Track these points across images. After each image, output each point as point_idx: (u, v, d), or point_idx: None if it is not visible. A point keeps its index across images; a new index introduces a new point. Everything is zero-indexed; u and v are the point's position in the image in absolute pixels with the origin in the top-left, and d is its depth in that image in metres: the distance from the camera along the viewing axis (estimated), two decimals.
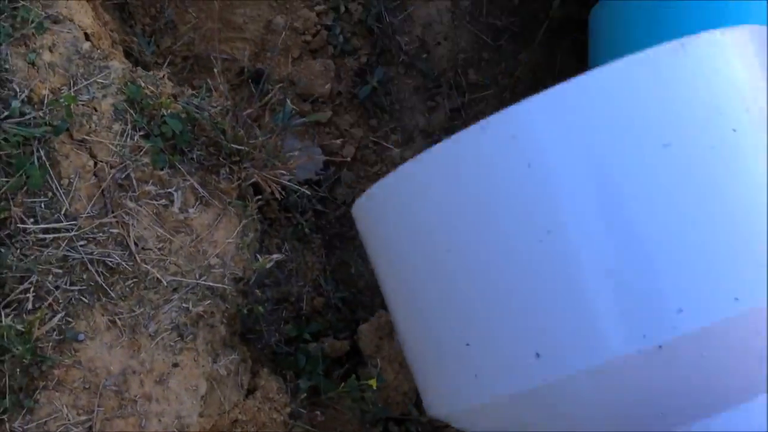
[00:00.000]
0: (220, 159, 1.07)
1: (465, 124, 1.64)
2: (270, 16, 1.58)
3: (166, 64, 1.46)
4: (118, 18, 1.52)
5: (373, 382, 1.19)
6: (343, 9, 1.62)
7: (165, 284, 1.03)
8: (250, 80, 1.54)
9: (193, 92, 1.12)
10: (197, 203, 1.06)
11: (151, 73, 1.13)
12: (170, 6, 1.53)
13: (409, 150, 1.63)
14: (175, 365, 1.01)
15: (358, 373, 1.50)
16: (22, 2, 1.08)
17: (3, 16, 1.07)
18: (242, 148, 1.06)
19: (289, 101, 1.15)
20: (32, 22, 1.10)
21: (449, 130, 1.63)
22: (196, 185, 1.06)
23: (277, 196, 1.11)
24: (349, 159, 1.61)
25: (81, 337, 0.99)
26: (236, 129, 1.06)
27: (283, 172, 1.09)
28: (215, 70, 1.13)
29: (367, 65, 1.63)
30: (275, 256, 1.10)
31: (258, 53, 1.57)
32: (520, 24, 1.66)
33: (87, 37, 1.15)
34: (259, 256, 1.10)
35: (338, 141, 1.60)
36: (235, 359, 1.09)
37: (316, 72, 1.58)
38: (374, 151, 1.63)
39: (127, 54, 1.41)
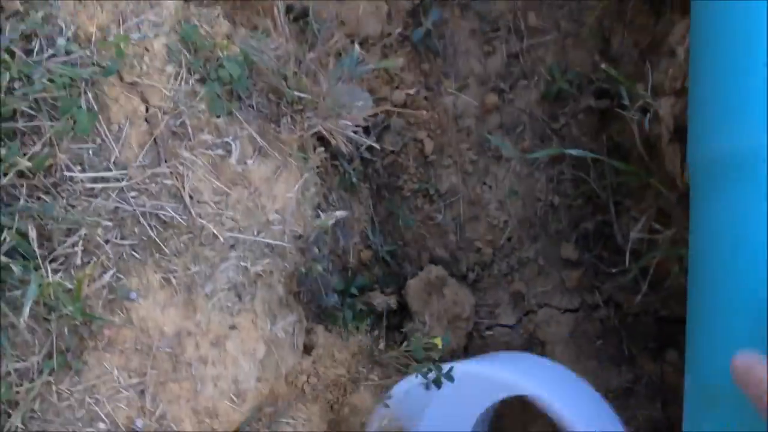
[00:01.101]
0: (281, 107, 0.99)
1: (523, 70, 1.55)
2: None
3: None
4: None
5: (438, 341, 1.13)
6: None
7: (222, 241, 0.96)
8: (297, 18, 1.45)
9: (250, 33, 1.04)
10: (255, 154, 0.99)
11: (205, 10, 1.04)
12: None
13: (463, 97, 1.54)
14: (233, 328, 0.95)
15: (404, 328, 1.45)
16: None
17: None
18: (305, 96, 0.98)
19: (357, 46, 1.05)
20: None
21: (506, 76, 1.54)
22: (254, 135, 0.98)
23: (343, 149, 1.03)
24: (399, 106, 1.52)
25: (133, 295, 0.93)
26: (299, 75, 0.98)
27: (347, 122, 1.01)
28: (275, 7, 1.04)
29: (421, 5, 1.53)
30: (338, 213, 1.03)
31: None
32: None
33: None
34: (320, 212, 1.02)
35: (388, 86, 1.51)
36: (293, 320, 1.03)
37: (366, 11, 1.48)
38: (426, 97, 1.54)
39: None
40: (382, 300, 1.39)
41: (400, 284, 1.47)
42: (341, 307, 1.38)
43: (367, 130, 1.51)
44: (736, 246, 0.86)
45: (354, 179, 1.46)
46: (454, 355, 1.45)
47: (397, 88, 1.53)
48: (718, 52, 0.92)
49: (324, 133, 1.00)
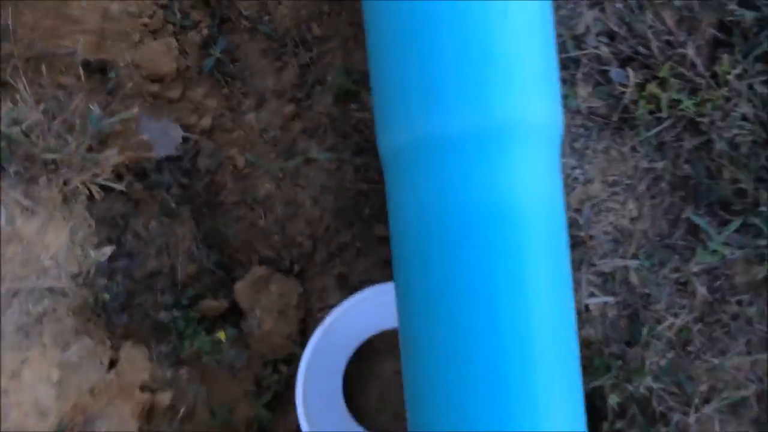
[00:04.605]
0: (37, 169, 1.16)
1: (316, 77, 1.72)
2: (105, 4, 1.64)
3: (9, 69, 1.53)
4: None
5: (221, 335, 1.30)
6: None
7: (3, 293, 1.14)
8: (94, 71, 1.62)
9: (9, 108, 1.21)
10: (22, 213, 1.16)
11: None
12: (4, 9, 1.58)
13: (264, 111, 1.71)
14: (24, 361, 1.13)
15: (241, 327, 1.63)
16: None
17: None
18: (56, 156, 1.15)
19: (93, 107, 1.23)
20: None
21: (300, 86, 1.71)
22: (19, 198, 1.16)
23: (97, 197, 1.21)
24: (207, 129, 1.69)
25: None
26: (48, 139, 1.15)
27: (96, 173, 1.18)
28: (21, 78, 1.21)
29: (210, 37, 1.70)
30: (106, 248, 1.20)
31: (99, 43, 1.64)
32: None
33: None
34: (91, 251, 1.20)
35: (195, 114, 1.69)
36: (89, 344, 1.21)
37: (159, 52, 1.65)
38: (230, 118, 1.71)
39: None
40: (209, 305, 1.57)
41: (232, 289, 1.65)
42: (173, 320, 1.56)
43: (180, 158, 1.69)
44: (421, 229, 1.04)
45: (173, 204, 1.64)
46: (289, 339, 1.64)
47: (203, 114, 1.70)
48: (382, 55, 1.09)
49: (79, 185, 1.18)
